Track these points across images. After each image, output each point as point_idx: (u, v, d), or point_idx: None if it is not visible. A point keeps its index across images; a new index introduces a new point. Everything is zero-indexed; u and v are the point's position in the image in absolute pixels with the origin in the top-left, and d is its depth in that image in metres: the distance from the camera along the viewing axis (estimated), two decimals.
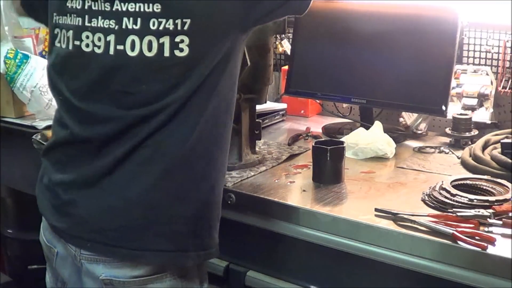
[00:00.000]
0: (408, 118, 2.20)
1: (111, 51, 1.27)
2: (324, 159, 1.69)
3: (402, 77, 2.06)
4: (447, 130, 2.06)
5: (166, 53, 1.24)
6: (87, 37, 1.30)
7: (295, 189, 1.69)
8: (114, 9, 1.28)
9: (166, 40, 1.24)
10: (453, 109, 2.08)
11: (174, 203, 1.30)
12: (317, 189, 1.68)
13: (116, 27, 1.27)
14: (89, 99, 1.32)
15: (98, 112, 1.31)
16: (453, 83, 2.05)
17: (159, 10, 1.24)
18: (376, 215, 1.47)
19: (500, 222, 1.39)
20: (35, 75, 2.20)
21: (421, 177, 1.75)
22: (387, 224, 1.44)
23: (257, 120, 1.90)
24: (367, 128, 2.02)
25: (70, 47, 1.34)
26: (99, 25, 1.29)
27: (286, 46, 2.51)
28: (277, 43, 2.50)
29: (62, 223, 1.37)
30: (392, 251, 1.42)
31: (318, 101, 2.44)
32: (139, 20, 1.25)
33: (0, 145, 2.39)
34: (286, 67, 2.42)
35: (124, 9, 1.27)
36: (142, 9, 1.25)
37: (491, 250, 1.31)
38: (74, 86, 1.34)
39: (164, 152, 1.28)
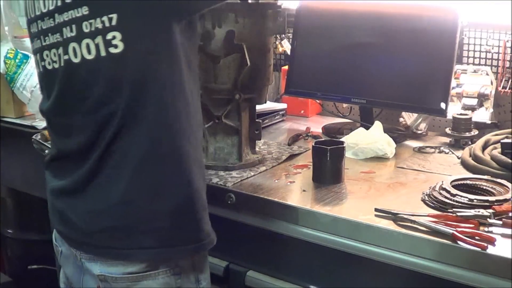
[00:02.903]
0: (408, 118, 2.20)
1: (62, 63, 1.32)
2: (324, 159, 1.69)
3: (402, 77, 2.06)
4: (447, 130, 2.06)
5: (103, 53, 1.26)
6: (47, 55, 1.35)
7: (295, 189, 1.69)
8: (56, 22, 1.31)
9: (99, 40, 1.25)
10: (453, 109, 2.08)
11: (152, 200, 1.32)
12: (317, 189, 1.68)
13: (61, 39, 1.31)
14: (61, 114, 1.38)
15: (70, 124, 1.36)
16: (453, 83, 2.06)
17: (87, 12, 1.26)
18: (376, 215, 1.47)
19: (500, 222, 1.39)
20: (35, 75, 2.20)
21: (421, 177, 1.76)
22: (387, 224, 1.44)
23: (257, 120, 1.90)
24: (367, 128, 2.02)
25: (41, 68, 1.40)
26: (51, 42, 1.33)
27: (286, 46, 2.51)
28: (277, 43, 2.50)
29: (61, 227, 1.44)
30: (392, 251, 1.42)
31: (318, 101, 2.44)
32: (74, 26, 1.28)
33: (0, 145, 2.40)
34: (286, 67, 2.42)
35: (62, 20, 1.30)
36: (74, 16, 1.28)
37: (491, 250, 1.31)
38: (49, 103, 1.40)
39: (129, 153, 1.30)
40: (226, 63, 1.75)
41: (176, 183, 1.33)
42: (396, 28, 2.07)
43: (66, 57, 1.30)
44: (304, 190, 1.67)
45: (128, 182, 1.30)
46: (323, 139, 1.91)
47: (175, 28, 1.29)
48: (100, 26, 1.25)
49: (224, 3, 1.74)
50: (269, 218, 1.61)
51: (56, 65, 1.33)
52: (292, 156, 1.95)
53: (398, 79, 2.07)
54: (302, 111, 2.49)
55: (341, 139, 1.85)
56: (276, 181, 1.74)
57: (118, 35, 1.24)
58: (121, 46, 1.24)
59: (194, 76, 1.38)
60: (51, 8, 1.31)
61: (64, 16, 1.29)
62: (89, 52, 1.27)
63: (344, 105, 2.35)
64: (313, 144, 1.73)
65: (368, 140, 1.93)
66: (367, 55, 2.11)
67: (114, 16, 1.24)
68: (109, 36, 1.24)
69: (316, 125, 2.30)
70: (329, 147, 1.68)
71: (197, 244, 1.37)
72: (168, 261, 1.36)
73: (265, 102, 1.91)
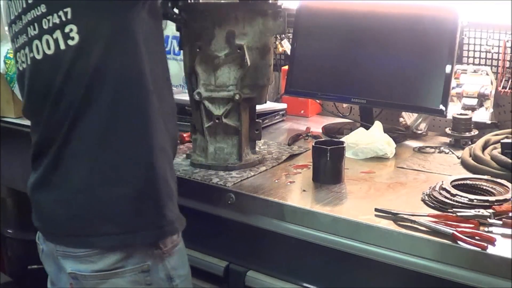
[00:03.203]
0: (408, 118, 2.20)
1: (29, 61, 1.37)
2: (324, 159, 1.69)
3: (402, 77, 2.06)
4: (447, 130, 2.06)
5: (62, 46, 1.31)
6: (19, 57, 1.41)
7: (295, 189, 1.69)
8: (23, 23, 1.37)
9: (58, 34, 1.31)
10: (453, 109, 2.08)
11: (112, 185, 1.34)
12: (317, 189, 1.68)
13: (27, 39, 1.37)
14: (32, 112, 1.43)
15: (40, 121, 1.39)
16: (453, 83, 2.05)
17: (45, 9, 1.32)
18: (376, 215, 1.47)
19: (500, 222, 1.39)
20: None
21: (421, 177, 1.76)
22: (387, 224, 1.44)
23: (257, 120, 1.90)
24: (367, 128, 2.02)
25: (17, 70, 1.45)
26: (20, 43, 1.40)
27: (286, 46, 2.51)
28: (277, 43, 2.49)
29: (37, 222, 1.46)
30: (392, 251, 1.42)
31: (318, 101, 2.44)
32: (36, 25, 1.34)
33: (0, 145, 2.40)
34: (286, 67, 2.42)
35: (26, 20, 1.36)
36: (35, 14, 1.34)
37: (491, 250, 1.31)
38: (23, 103, 1.46)
39: (86, 140, 1.33)
40: (226, 63, 1.75)
41: (135, 167, 1.34)
42: (396, 28, 2.07)
43: (31, 55, 1.36)
44: (304, 190, 1.67)
45: (87, 169, 1.33)
46: (323, 139, 1.91)
47: (131, 16, 1.31)
48: (57, 21, 1.30)
49: (224, 3, 1.75)
50: (269, 218, 1.61)
51: (25, 65, 1.39)
52: (292, 156, 1.95)
53: (398, 79, 2.07)
54: (302, 111, 2.49)
55: (341, 139, 1.85)
56: (276, 181, 1.74)
57: (74, 27, 1.29)
58: (77, 38, 1.29)
59: (158, 64, 1.40)
60: (19, 10, 1.37)
61: (28, 16, 1.35)
62: (49, 47, 1.32)
63: (344, 105, 2.35)
64: (313, 144, 1.73)
65: (368, 140, 1.93)
66: (367, 55, 2.11)
67: (69, 9, 1.29)
68: (67, 29, 1.30)
69: (316, 125, 2.30)
70: (329, 147, 1.68)
71: (158, 231, 1.38)
72: (135, 258, 1.37)
73: (265, 102, 1.91)
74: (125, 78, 1.32)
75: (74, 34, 1.29)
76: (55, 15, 1.30)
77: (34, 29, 1.34)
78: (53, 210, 1.39)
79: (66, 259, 1.39)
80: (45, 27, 1.32)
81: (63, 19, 1.29)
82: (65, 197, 1.36)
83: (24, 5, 1.35)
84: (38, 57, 1.34)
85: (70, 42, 1.29)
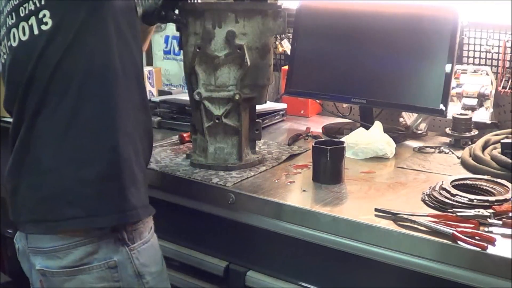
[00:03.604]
0: (408, 118, 2.20)
1: (7, 51, 1.42)
2: (324, 159, 1.69)
3: (402, 77, 2.06)
4: (447, 130, 2.06)
5: (36, 31, 1.35)
6: (1, 50, 1.45)
7: (295, 189, 1.69)
8: (3, 15, 1.42)
9: (33, 20, 1.35)
10: (453, 109, 2.08)
11: (77, 167, 1.35)
12: (317, 189, 1.68)
13: (5, 30, 1.41)
14: (10, 100, 1.44)
15: (17, 107, 1.41)
16: (453, 83, 2.06)
17: None
18: (376, 215, 1.47)
19: (500, 222, 1.39)
20: None
21: (421, 177, 1.76)
22: (387, 224, 1.44)
23: (257, 120, 1.90)
24: (367, 128, 2.02)
25: (0, 65, 1.49)
26: (1, 35, 1.44)
27: (286, 46, 2.51)
28: (277, 43, 2.50)
29: (12, 213, 1.47)
30: (392, 251, 1.42)
31: (318, 101, 2.44)
32: (14, 14, 1.38)
33: (0, 145, 2.39)
34: (286, 67, 2.42)
35: (5, 12, 1.41)
36: (13, 4, 1.38)
37: (491, 250, 1.30)
38: (5, 93, 1.47)
39: (52, 122, 1.35)
40: (226, 63, 1.75)
41: (99, 150, 1.36)
42: (396, 28, 2.07)
43: (8, 44, 1.40)
44: (304, 190, 1.67)
45: (53, 151, 1.35)
46: (323, 139, 1.91)
47: (104, 4, 1.35)
48: (32, 7, 1.35)
49: (224, 3, 1.74)
50: (269, 218, 1.61)
51: (5, 56, 1.43)
52: (292, 156, 1.95)
53: (398, 79, 2.07)
54: (302, 111, 2.49)
55: (341, 139, 1.85)
56: (276, 181, 1.74)
57: (47, 13, 1.34)
58: (50, 23, 1.33)
59: (129, 55, 1.42)
60: (2, 5, 1.42)
61: (7, 7, 1.40)
62: (24, 33, 1.37)
63: (344, 105, 2.35)
64: (313, 144, 1.73)
65: (368, 140, 1.93)
66: (367, 55, 2.11)
67: None
68: (41, 14, 1.34)
69: (316, 125, 2.30)
70: (329, 147, 1.68)
71: (120, 215, 1.38)
72: (100, 253, 1.38)
73: (265, 102, 1.91)
74: (93, 64, 1.35)
75: (47, 19, 1.33)
76: (30, 2, 1.35)
77: (12, 18, 1.38)
78: (25, 196, 1.40)
79: (36, 255, 1.41)
80: (21, 14, 1.36)
81: (38, 5, 1.34)
82: (34, 180, 1.38)
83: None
84: (14, 44, 1.38)
85: (44, 27, 1.34)
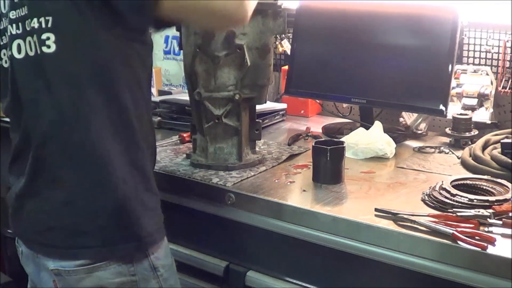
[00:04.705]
0: (408, 118, 2.20)
1: (7, 59, 1.39)
2: (324, 159, 1.69)
3: (402, 77, 2.06)
4: (447, 130, 2.06)
5: (39, 51, 1.31)
6: (4, 54, 1.42)
7: (295, 189, 1.69)
8: (6, 21, 1.38)
9: (35, 38, 1.31)
10: (453, 109, 2.08)
11: (91, 199, 1.35)
12: (317, 189, 1.68)
13: (8, 37, 1.38)
14: (12, 112, 1.43)
15: (18, 125, 1.41)
16: (453, 83, 2.06)
17: (27, 12, 1.32)
18: (376, 215, 1.47)
19: (500, 222, 1.39)
20: None
21: (421, 177, 1.75)
22: (387, 224, 1.44)
23: (257, 120, 1.90)
24: (367, 128, 2.02)
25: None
26: (5, 41, 1.40)
27: (286, 46, 2.51)
28: (277, 43, 2.50)
29: (17, 227, 1.47)
30: (392, 251, 1.42)
31: (318, 101, 2.44)
32: (20, 24, 1.34)
33: (0, 145, 2.39)
34: (286, 67, 2.42)
35: (9, 18, 1.36)
36: (19, 15, 1.34)
37: (491, 250, 1.30)
38: (8, 99, 1.44)
39: (60, 154, 1.34)
40: (226, 63, 1.75)
41: (110, 183, 1.35)
42: (396, 28, 2.07)
43: (9, 52, 1.36)
44: (304, 190, 1.67)
45: (67, 184, 1.34)
46: (323, 139, 1.91)
47: (109, 33, 1.30)
48: (36, 25, 1.31)
49: None
50: (269, 218, 1.61)
51: (6, 64, 1.40)
52: (292, 156, 1.95)
53: (398, 79, 2.07)
54: (302, 111, 2.49)
55: (341, 139, 1.85)
56: (276, 181, 1.74)
57: (52, 36, 1.30)
58: (53, 47, 1.30)
59: (137, 84, 1.39)
60: (7, 9, 1.38)
61: (10, 14, 1.35)
62: (31, 49, 1.32)
63: (344, 105, 2.35)
64: (313, 144, 1.73)
65: (368, 140, 1.93)
66: (367, 55, 2.11)
67: (50, 19, 1.29)
68: (44, 36, 1.30)
69: (316, 125, 2.30)
70: (329, 147, 1.68)
71: (138, 243, 1.39)
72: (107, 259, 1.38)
73: (265, 102, 1.91)
74: (99, 94, 1.31)
75: (50, 43, 1.29)
76: (35, 19, 1.30)
77: (18, 29, 1.34)
78: (36, 218, 1.39)
79: (48, 257, 1.40)
80: (27, 29, 1.32)
81: (43, 26, 1.30)
82: (46, 208, 1.37)
83: (10, 4, 1.36)
84: (19, 56, 1.35)
85: (45, 49, 1.30)
